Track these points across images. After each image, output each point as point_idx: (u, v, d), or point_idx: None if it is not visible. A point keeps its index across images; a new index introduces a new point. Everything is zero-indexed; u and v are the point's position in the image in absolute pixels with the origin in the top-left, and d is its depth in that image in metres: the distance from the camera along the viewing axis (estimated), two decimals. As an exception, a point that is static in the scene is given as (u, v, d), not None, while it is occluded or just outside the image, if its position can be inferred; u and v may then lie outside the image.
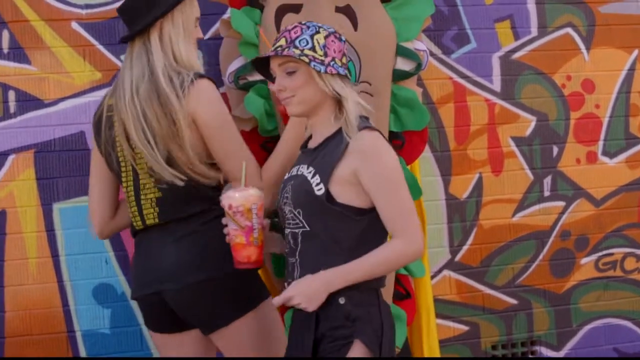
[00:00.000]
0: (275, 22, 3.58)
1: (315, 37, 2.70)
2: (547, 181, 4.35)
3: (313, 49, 2.67)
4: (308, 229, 2.66)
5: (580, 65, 4.38)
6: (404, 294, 3.75)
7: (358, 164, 2.60)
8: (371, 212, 2.64)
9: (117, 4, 3.80)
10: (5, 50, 3.79)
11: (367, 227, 2.65)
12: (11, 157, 3.80)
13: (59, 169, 3.83)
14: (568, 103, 4.37)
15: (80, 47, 3.85)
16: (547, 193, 4.35)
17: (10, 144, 3.80)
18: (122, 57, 3.80)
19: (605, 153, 4.43)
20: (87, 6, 3.85)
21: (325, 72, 2.65)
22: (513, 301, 4.33)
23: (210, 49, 3.89)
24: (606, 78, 4.41)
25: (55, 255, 3.83)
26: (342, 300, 2.60)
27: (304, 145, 2.82)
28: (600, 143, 4.42)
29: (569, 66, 4.37)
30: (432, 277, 4.18)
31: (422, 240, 2.63)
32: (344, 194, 2.62)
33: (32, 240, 3.81)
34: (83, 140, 3.84)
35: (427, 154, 4.15)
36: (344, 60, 2.72)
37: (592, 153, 4.41)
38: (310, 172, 2.67)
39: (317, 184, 2.63)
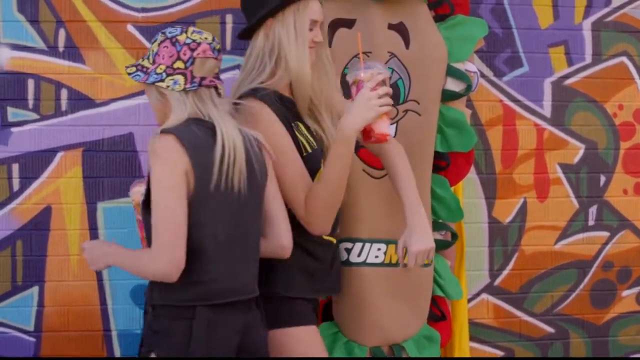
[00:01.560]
0: (329, 36, 3.58)
1: (152, 45, 2.73)
2: (593, 210, 4.29)
3: (148, 57, 2.73)
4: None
5: (633, 95, 4.32)
6: (440, 315, 3.72)
7: None
8: None
9: (173, 9, 3.90)
10: (61, 49, 3.85)
11: None
12: (60, 154, 3.85)
13: (106, 168, 3.87)
14: (619, 132, 4.31)
15: (134, 49, 3.88)
16: (591, 222, 4.30)
17: (60, 141, 3.85)
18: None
19: (654, 185, 4.38)
20: (144, 9, 3.89)
21: (140, 81, 2.69)
22: (550, 329, 4.28)
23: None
24: (659, 109, 4.36)
25: (96, 253, 3.87)
26: (149, 310, 2.70)
27: None
28: (650, 174, 4.37)
29: (622, 95, 4.31)
30: (470, 299, 4.15)
31: (165, 263, 2.54)
32: None
33: (74, 237, 3.85)
34: (131, 141, 3.88)
35: (472, 175, 4.13)
36: (176, 65, 2.68)
37: (640, 185, 4.36)
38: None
39: (145, 191, 2.67)
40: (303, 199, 2.93)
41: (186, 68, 2.69)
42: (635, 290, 4.37)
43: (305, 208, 2.94)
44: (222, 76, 3.87)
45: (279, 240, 2.88)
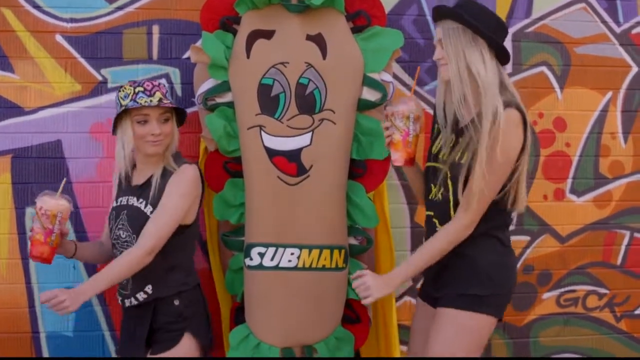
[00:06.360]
0: (246, 47, 3.69)
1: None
2: (513, 215, 4.39)
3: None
4: None
5: (552, 104, 4.43)
6: (354, 318, 3.82)
7: None
8: None
9: (100, 20, 3.98)
10: (-10, 58, 3.94)
11: None
12: (-11, 161, 3.94)
13: (35, 175, 3.96)
14: (539, 140, 4.43)
15: (63, 59, 3.97)
16: (512, 227, 4.39)
17: (-11, 148, 3.95)
18: (102, 71, 3.96)
19: (573, 191, 4.48)
20: (72, 20, 3.97)
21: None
22: (472, 331, 4.37)
23: (188, 68, 4.00)
24: (578, 117, 4.45)
25: (25, 257, 3.95)
26: (176, 302, 3.35)
27: None
28: (569, 181, 4.47)
29: (542, 104, 4.42)
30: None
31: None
32: None
33: (3, 241, 3.95)
34: (59, 148, 3.96)
35: (394, 181, 4.24)
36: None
37: (559, 190, 4.46)
38: None
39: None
40: None
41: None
42: (555, 292, 4.49)
43: None
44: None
45: None
